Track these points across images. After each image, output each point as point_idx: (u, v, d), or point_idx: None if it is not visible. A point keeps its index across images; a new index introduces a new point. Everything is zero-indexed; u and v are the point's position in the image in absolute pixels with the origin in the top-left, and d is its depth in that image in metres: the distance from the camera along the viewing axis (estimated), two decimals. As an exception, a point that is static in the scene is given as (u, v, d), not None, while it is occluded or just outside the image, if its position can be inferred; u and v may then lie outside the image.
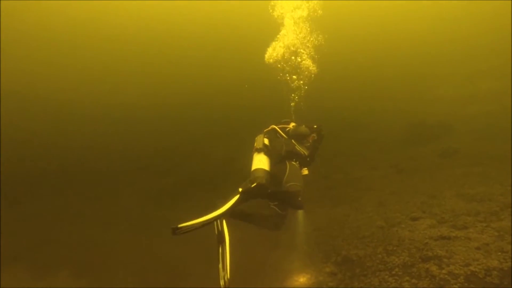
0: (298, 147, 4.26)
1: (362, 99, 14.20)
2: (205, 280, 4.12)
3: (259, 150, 3.93)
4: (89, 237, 7.27)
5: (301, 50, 6.53)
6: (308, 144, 4.51)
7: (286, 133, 4.41)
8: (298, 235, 5.48)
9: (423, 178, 8.58)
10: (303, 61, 6.46)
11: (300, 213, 4.76)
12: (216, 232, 3.12)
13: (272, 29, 6.92)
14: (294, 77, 6.44)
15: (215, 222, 3.09)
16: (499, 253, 4.15)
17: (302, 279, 4.38)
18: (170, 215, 8.02)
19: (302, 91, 6.25)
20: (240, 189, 3.24)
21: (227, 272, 2.81)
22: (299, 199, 3.78)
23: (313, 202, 7.41)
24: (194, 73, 18.65)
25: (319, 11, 7.07)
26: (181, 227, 2.84)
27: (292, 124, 4.60)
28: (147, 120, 16.18)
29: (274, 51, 6.50)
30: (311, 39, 6.75)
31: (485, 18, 16.97)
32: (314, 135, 4.64)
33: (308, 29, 6.86)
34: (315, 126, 4.65)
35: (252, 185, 3.36)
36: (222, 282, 2.79)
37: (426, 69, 15.87)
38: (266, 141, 4.09)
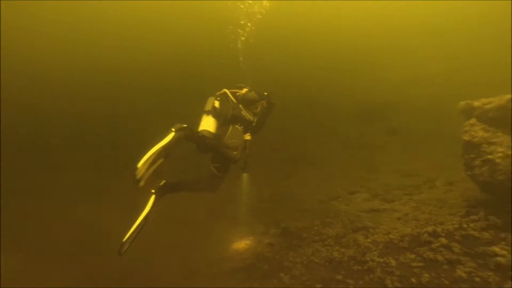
0: (244, 112, 4.41)
1: (317, 78, 14.63)
2: (141, 255, 4.21)
3: (207, 112, 4.16)
4: (27, 209, 6.91)
5: None
6: (257, 110, 4.66)
7: (236, 97, 4.51)
8: (242, 207, 5.76)
9: (366, 154, 9.27)
10: None
11: (246, 183, 4.99)
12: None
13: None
14: None
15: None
16: (414, 222, 4.77)
17: (241, 250, 4.68)
18: (115, 186, 7.73)
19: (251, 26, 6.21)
20: (173, 129, 3.39)
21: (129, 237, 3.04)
22: (235, 153, 4.00)
23: (262, 174, 7.70)
24: (146, 37, 17.47)
25: None
26: (138, 167, 3.00)
27: (245, 90, 4.69)
28: (98, 87, 15.07)
29: None
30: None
31: (438, 5, 17.98)
32: (264, 102, 4.77)
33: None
34: (265, 93, 4.78)
35: (183, 125, 3.51)
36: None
37: (378, 52, 16.71)
38: (216, 103, 4.26)
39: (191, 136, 3.70)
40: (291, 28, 17.59)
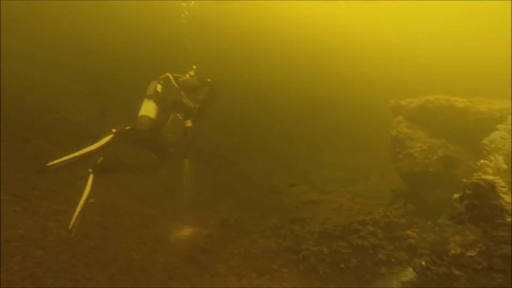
0: (186, 99, 4.40)
1: (261, 74, 14.94)
2: (73, 250, 3.98)
3: (149, 97, 4.11)
4: None
5: None
6: (199, 97, 4.66)
7: (178, 83, 4.47)
8: (182, 196, 5.69)
9: (307, 149, 9.77)
10: None
11: (186, 170, 4.95)
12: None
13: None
14: None
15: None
16: (347, 212, 5.21)
17: (179, 241, 4.66)
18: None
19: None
20: (114, 130, 3.33)
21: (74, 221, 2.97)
22: (172, 150, 4.06)
23: (204, 166, 7.69)
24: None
25: None
26: (51, 165, 2.92)
27: (188, 75, 4.67)
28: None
29: None
30: None
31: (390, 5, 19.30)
32: (207, 89, 4.78)
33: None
34: (208, 80, 4.80)
35: (126, 128, 3.46)
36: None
37: (323, 50, 17.63)
38: (159, 87, 4.21)
39: (131, 138, 3.64)
40: (237, 24, 17.72)
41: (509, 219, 2.27)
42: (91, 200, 3.16)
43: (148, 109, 4.07)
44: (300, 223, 5.33)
